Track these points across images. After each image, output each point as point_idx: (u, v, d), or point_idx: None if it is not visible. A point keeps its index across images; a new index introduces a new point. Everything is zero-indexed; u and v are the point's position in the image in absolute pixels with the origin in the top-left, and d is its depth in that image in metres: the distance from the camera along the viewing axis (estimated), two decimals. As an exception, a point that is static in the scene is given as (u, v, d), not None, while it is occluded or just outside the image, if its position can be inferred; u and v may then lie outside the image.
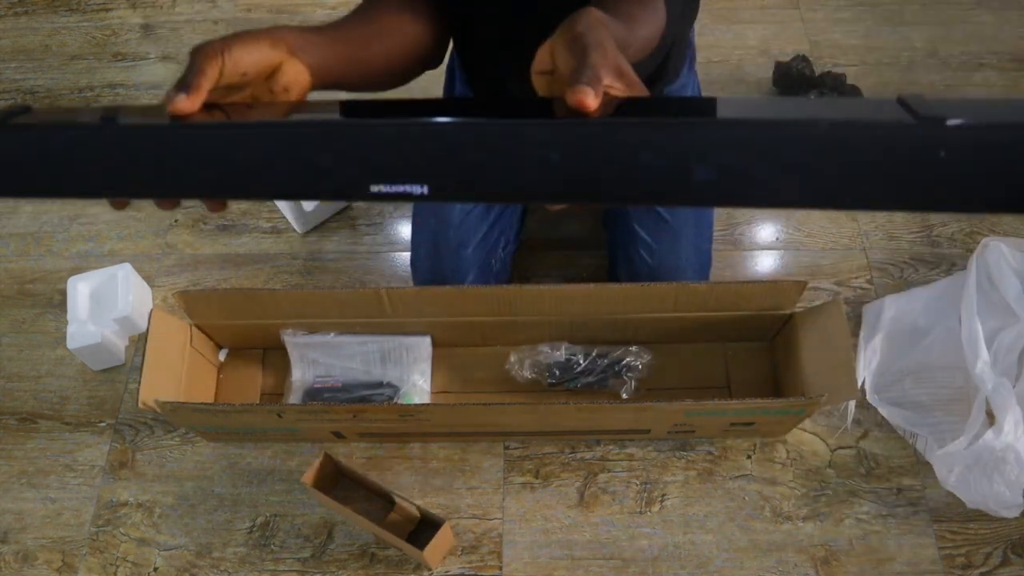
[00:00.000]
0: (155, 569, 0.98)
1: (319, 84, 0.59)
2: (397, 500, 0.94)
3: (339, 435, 1.02)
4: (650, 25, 0.63)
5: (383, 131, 0.36)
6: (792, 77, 1.34)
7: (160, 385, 0.95)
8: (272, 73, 0.54)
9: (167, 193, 0.39)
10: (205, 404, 0.92)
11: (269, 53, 0.52)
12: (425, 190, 0.36)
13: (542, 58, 0.51)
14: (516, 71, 0.89)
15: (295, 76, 0.55)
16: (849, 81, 1.33)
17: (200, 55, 0.49)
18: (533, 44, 0.77)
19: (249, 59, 0.50)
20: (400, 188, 0.36)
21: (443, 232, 1.03)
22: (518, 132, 0.35)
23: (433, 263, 1.04)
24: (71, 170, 0.38)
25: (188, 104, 0.46)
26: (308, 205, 1.22)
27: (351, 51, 0.65)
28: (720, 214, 1.22)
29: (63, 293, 1.16)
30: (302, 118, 0.45)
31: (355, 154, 0.36)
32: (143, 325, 1.14)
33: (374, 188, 0.36)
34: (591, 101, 0.38)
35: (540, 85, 0.51)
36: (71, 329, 1.08)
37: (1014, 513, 0.95)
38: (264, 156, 0.37)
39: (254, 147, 0.37)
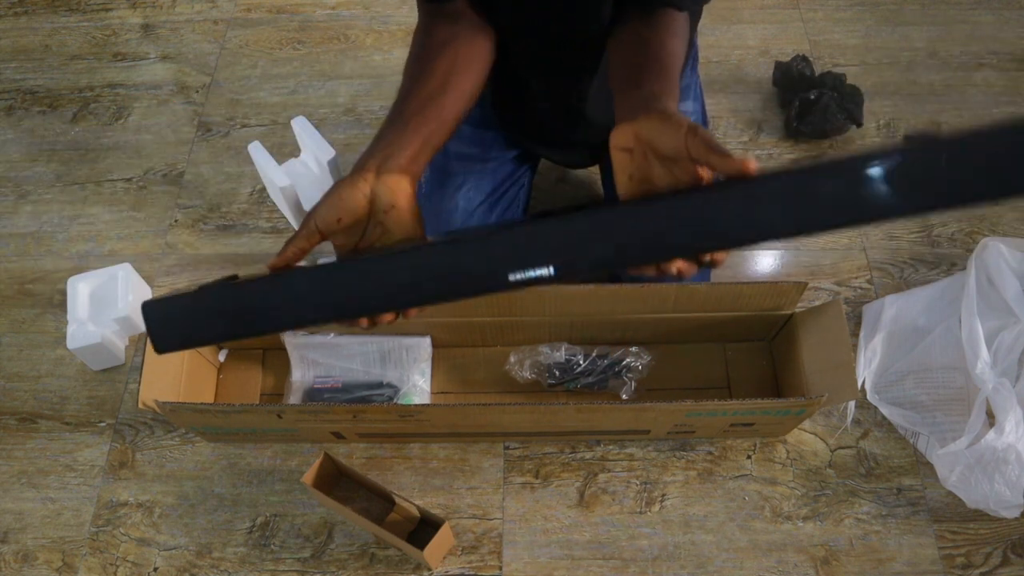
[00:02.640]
0: (155, 569, 0.98)
1: (419, 173, 0.65)
2: (397, 500, 0.94)
3: (339, 435, 1.02)
4: (681, 51, 0.70)
5: (513, 234, 0.49)
6: (792, 77, 1.34)
7: (160, 385, 0.95)
8: (371, 201, 0.60)
9: (376, 309, 0.54)
10: (205, 404, 0.92)
11: (350, 196, 0.59)
12: (552, 271, 0.48)
13: (624, 136, 0.57)
14: (544, 81, 0.90)
15: (391, 191, 0.60)
16: (849, 81, 1.33)
17: (304, 221, 0.59)
18: (562, 55, 0.82)
19: (334, 213, 0.58)
20: (532, 273, 0.48)
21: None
22: (623, 219, 0.48)
23: None
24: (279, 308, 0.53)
25: (277, 261, 0.57)
26: (308, 204, 1.22)
27: (432, 120, 0.69)
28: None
29: (63, 293, 1.16)
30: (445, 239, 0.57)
31: (495, 254, 0.49)
32: (143, 325, 1.13)
33: (511, 277, 0.48)
34: (753, 164, 0.46)
35: (621, 161, 0.58)
36: (71, 329, 1.08)
37: (1014, 513, 0.95)
38: (430, 271, 0.51)
39: (423, 267, 0.51)
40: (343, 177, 0.60)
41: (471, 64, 0.75)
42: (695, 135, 0.50)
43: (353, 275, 0.53)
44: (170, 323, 0.55)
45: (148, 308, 0.55)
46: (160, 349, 0.55)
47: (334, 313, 0.53)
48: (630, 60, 0.69)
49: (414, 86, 0.71)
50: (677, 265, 0.51)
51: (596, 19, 0.76)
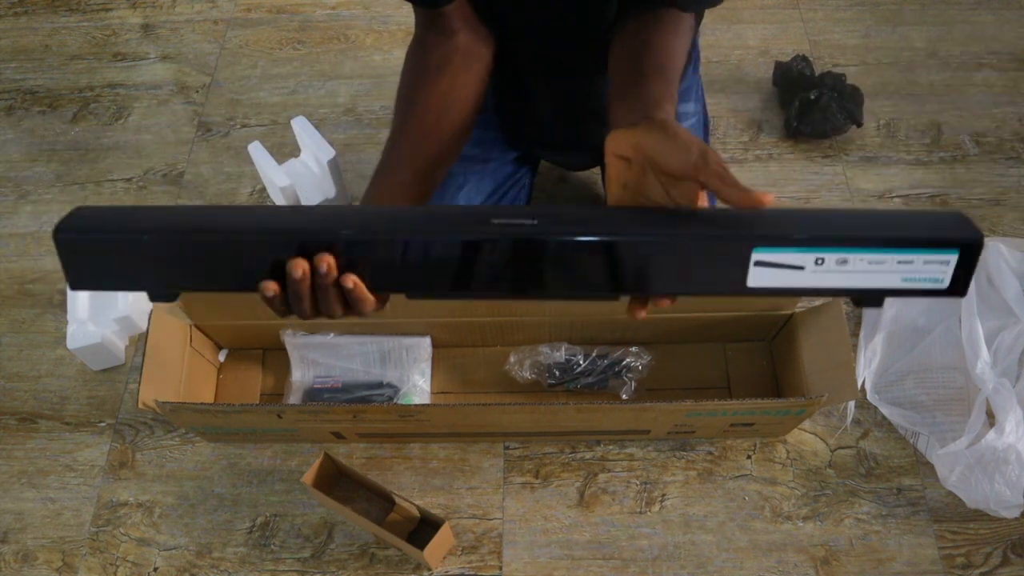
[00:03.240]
0: (155, 569, 0.98)
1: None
2: (397, 500, 0.94)
3: (339, 435, 1.02)
4: (683, 53, 0.69)
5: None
6: (792, 77, 1.34)
7: (160, 385, 0.95)
8: None
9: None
10: (205, 404, 0.92)
11: None
12: (535, 221, 0.47)
13: (622, 144, 0.55)
14: (547, 82, 0.90)
15: None
16: (849, 81, 1.33)
17: None
18: (565, 55, 0.80)
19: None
20: (516, 221, 0.47)
21: None
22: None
23: None
24: None
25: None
26: (308, 204, 1.22)
27: (431, 157, 0.68)
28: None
29: (63, 293, 1.16)
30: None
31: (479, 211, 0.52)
32: (143, 325, 1.14)
33: (495, 221, 0.47)
34: (770, 198, 0.46)
35: (617, 168, 0.56)
36: (71, 329, 1.08)
37: (1014, 513, 0.95)
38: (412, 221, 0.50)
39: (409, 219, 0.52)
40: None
41: (468, 85, 0.74)
42: (706, 163, 0.49)
43: (324, 212, 0.52)
44: (92, 216, 0.49)
45: (78, 209, 0.49)
46: (74, 284, 0.49)
47: (293, 240, 0.48)
48: (631, 61, 0.68)
49: (408, 121, 0.70)
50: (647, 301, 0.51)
51: (600, 18, 0.76)
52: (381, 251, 0.49)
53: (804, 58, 1.35)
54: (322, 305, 0.51)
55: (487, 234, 0.47)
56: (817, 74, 1.34)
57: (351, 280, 0.49)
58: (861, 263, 0.46)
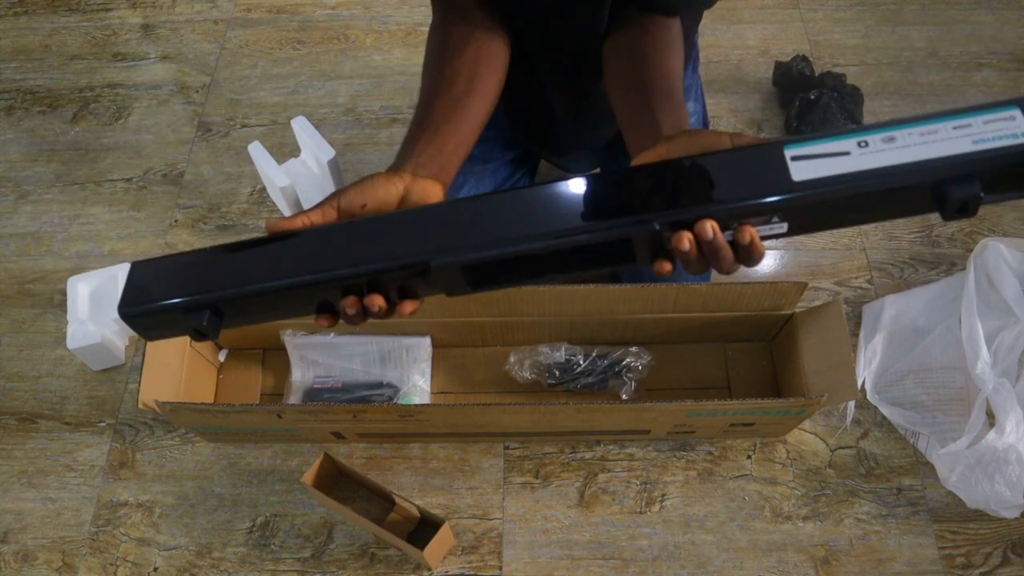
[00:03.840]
0: (155, 569, 0.98)
1: (450, 181, 0.64)
2: (397, 500, 0.94)
3: (339, 435, 1.02)
4: (680, 65, 0.68)
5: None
6: (792, 77, 1.34)
7: (160, 386, 0.94)
8: (402, 199, 0.57)
9: None
10: (205, 404, 0.92)
11: (383, 186, 0.56)
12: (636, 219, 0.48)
13: (651, 159, 0.54)
14: (551, 82, 0.90)
15: (424, 194, 0.58)
16: (849, 81, 1.33)
17: (327, 197, 0.55)
18: (565, 56, 0.82)
19: (361, 198, 0.55)
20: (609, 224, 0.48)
21: None
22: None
23: None
24: None
25: (280, 223, 0.52)
26: (308, 203, 1.22)
27: (462, 127, 0.67)
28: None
29: (63, 293, 1.16)
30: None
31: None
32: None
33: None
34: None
35: None
36: (71, 329, 1.08)
37: (1014, 513, 0.95)
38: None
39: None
40: (386, 171, 0.59)
41: (492, 62, 0.74)
42: (741, 137, 0.50)
43: (351, 233, 0.51)
44: (147, 282, 0.52)
45: (134, 268, 0.53)
46: (122, 311, 0.51)
47: (325, 270, 0.49)
48: (631, 76, 0.67)
49: (439, 88, 0.69)
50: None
51: (592, 23, 0.76)
52: (440, 277, 0.49)
53: (804, 58, 1.35)
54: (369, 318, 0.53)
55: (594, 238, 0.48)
56: (817, 74, 1.34)
57: (408, 308, 0.51)
58: (911, 137, 0.44)
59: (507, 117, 1.02)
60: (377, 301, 0.49)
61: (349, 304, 0.49)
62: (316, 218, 0.53)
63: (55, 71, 1.49)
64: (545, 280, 0.50)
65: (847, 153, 0.45)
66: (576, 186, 0.50)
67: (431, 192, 0.58)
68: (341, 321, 0.52)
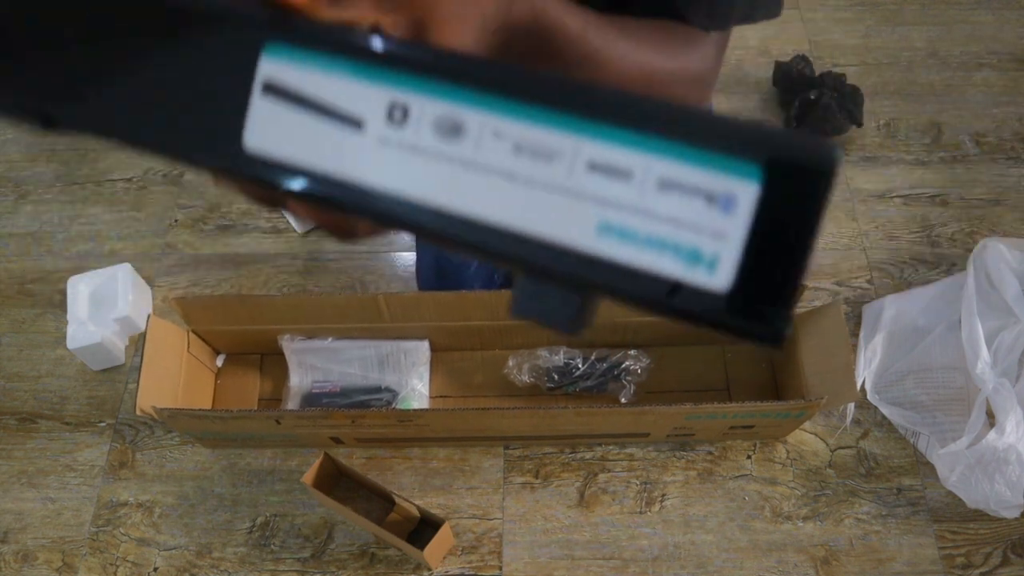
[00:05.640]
0: (155, 569, 0.98)
1: None
2: (397, 500, 0.94)
3: (338, 440, 1.02)
4: (675, 59, 0.49)
5: None
6: (792, 77, 1.34)
7: (158, 391, 0.94)
8: None
9: None
10: (203, 410, 0.92)
11: None
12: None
13: None
14: None
15: None
16: (849, 81, 1.33)
17: None
18: None
19: None
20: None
21: (443, 253, 1.03)
22: None
23: (438, 283, 1.04)
24: None
25: None
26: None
27: None
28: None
29: (63, 293, 1.16)
30: None
31: None
32: (143, 325, 1.14)
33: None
34: None
35: None
36: (71, 329, 1.08)
37: (1014, 513, 0.95)
38: None
39: None
40: None
41: None
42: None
43: None
44: None
45: None
46: None
47: None
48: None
49: None
50: None
51: None
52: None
53: (804, 58, 1.35)
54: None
55: None
56: (817, 74, 1.34)
57: None
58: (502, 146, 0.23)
59: None
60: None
61: None
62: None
63: (55, 71, 1.49)
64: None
65: (358, 125, 0.23)
66: None
67: None
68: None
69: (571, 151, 0.22)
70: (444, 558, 0.97)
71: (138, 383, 0.91)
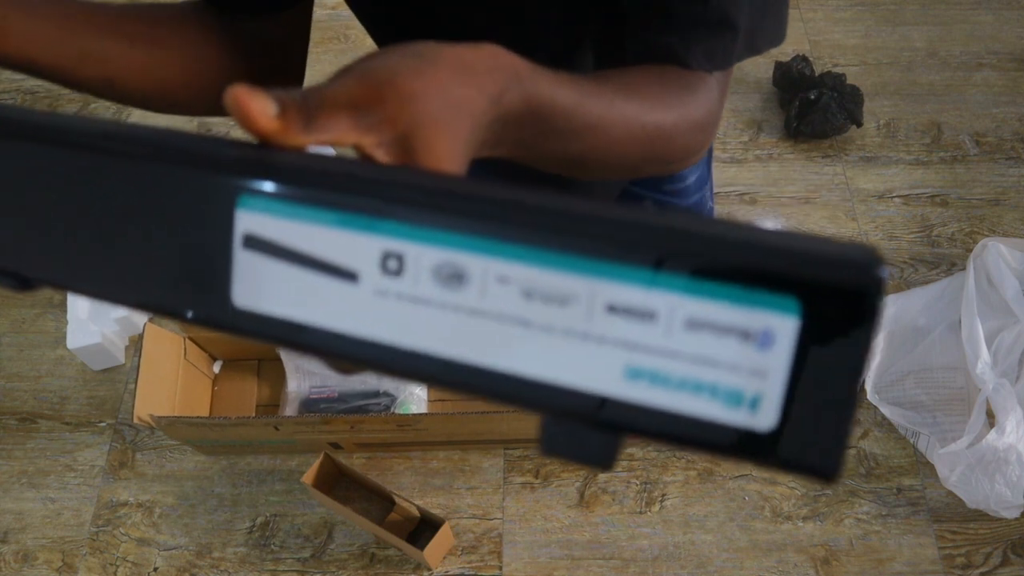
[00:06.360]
0: (155, 569, 0.98)
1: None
2: (397, 500, 0.94)
3: (336, 446, 1.01)
4: (676, 109, 0.44)
5: None
6: (792, 77, 1.34)
7: (155, 399, 0.94)
8: None
9: None
10: (200, 418, 0.92)
11: None
12: None
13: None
14: None
15: None
16: (849, 81, 1.33)
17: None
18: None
19: None
20: None
21: None
22: None
23: None
24: None
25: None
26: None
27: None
28: (719, 212, 1.22)
29: (63, 293, 1.16)
30: None
31: None
32: (143, 325, 1.14)
33: None
34: (254, 105, 0.24)
35: None
36: (71, 329, 1.08)
37: (1014, 513, 0.95)
38: None
39: None
40: None
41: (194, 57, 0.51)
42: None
43: None
44: None
45: None
46: None
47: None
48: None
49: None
50: None
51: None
52: None
53: (804, 58, 1.35)
54: None
55: None
56: (817, 74, 1.34)
57: None
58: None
59: None
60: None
61: None
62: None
63: (55, 71, 1.49)
64: None
65: (352, 277, 0.22)
66: None
67: None
68: None
69: (586, 294, 0.20)
70: (444, 558, 0.97)
71: (135, 390, 0.91)
